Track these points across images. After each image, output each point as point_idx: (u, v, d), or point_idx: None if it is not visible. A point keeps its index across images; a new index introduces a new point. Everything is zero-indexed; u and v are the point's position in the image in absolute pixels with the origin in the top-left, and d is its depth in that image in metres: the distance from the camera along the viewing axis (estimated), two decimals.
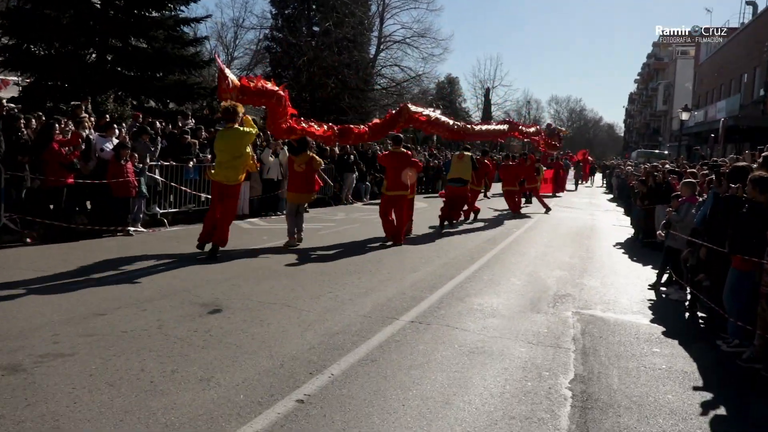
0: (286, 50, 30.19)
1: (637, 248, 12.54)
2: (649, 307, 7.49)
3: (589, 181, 41.15)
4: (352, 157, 19.66)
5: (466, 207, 15.58)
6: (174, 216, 12.71)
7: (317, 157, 10.87)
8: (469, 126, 16.92)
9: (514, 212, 18.40)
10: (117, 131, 11.52)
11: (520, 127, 20.42)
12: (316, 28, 33.09)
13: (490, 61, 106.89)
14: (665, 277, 8.72)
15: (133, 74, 20.18)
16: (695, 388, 4.76)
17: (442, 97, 63.75)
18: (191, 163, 12.81)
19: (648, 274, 9.66)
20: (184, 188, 12.67)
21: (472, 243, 11.66)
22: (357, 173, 19.88)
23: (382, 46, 36.62)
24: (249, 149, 9.20)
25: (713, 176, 7.54)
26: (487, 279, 8.34)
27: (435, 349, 5.21)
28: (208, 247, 8.97)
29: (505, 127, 18.89)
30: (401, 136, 12.65)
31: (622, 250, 12.31)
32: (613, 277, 9.29)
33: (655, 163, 16.95)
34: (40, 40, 19.64)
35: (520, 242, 12.33)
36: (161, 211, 12.37)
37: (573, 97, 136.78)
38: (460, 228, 14.16)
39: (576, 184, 38.11)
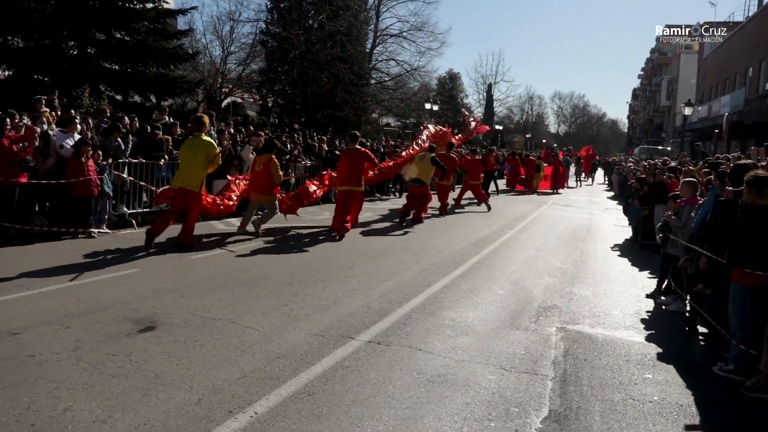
0: (279, 44, 29.40)
1: (635, 251, 11.80)
2: (644, 320, 6.76)
3: (589, 179, 39.90)
4: (338, 153, 18.90)
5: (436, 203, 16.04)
6: (144, 216, 12.01)
7: (276, 162, 10.96)
8: (389, 164, 15.99)
9: (483, 201, 18.17)
10: (79, 127, 10.81)
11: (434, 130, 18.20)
12: (311, 22, 32.36)
13: (492, 57, 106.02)
14: (664, 284, 7.98)
15: (115, 68, 19.49)
16: (690, 428, 4.04)
17: (443, 92, 63.06)
18: (162, 160, 12.09)
19: (645, 281, 8.93)
20: (153, 188, 11.96)
21: (458, 246, 10.92)
22: None
23: (378, 40, 35.83)
24: (213, 157, 9.52)
25: (713, 175, 6.76)
26: (467, 288, 7.60)
27: (388, 377, 4.48)
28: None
29: (426, 133, 17.21)
30: (357, 134, 12.92)
31: (619, 253, 11.57)
32: (607, 284, 8.55)
33: (656, 161, 16.19)
34: (19, 32, 19.00)
35: (510, 245, 11.59)
36: (129, 212, 11.67)
37: (576, 92, 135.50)
38: (449, 228, 13.42)
39: (577, 181, 37.29)
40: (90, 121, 12.09)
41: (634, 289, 8.33)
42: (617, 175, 26.80)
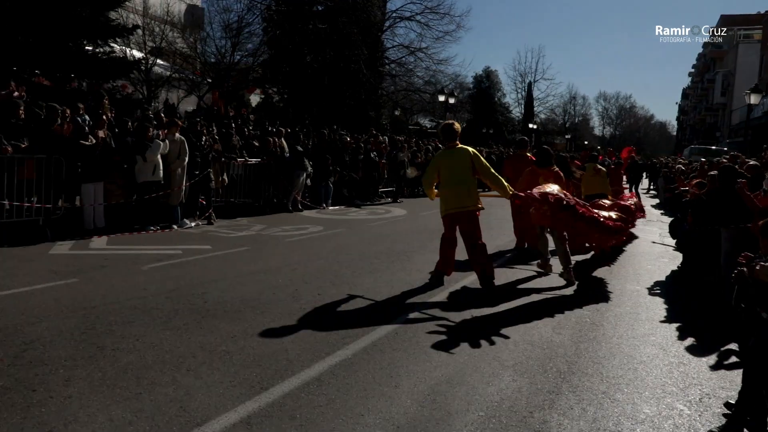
0: (266, 25, 25.73)
1: (686, 298, 7.47)
2: None
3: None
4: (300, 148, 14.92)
5: None
6: None
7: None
8: None
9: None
10: None
11: None
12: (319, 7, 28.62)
13: (531, 53, 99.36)
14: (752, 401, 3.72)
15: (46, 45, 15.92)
16: None
17: (480, 90, 58.71)
18: None
19: (706, 379, 4.62)
20: None
21: (391, 289, 6.77)
22: (310, 170, 15.10)
23: (387, 24, 31.67)
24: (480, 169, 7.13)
25: None
26: (325, 403, 3.49)
27: None
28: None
29: None
30: (526, 138, 11.39)
31: (662, 301, 7.23)
32: (628, 390, 4.29)
33: (718, 158, 11.72)
34: None
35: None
36: None
37: (622, 93, 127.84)
38: (407, 254, 9.28)
39: None
40: None
41: (681, 407, 4.07)
42: (663, 179, 22.14)
